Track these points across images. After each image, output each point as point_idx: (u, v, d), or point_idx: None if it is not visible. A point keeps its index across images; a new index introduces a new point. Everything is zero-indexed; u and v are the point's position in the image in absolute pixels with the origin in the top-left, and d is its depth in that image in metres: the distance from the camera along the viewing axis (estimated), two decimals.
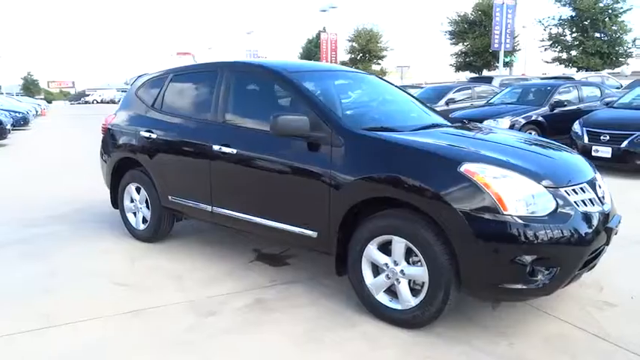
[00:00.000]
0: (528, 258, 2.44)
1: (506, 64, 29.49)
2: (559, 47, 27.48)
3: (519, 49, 30.13)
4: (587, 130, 8.11)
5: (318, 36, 50.77)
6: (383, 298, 2.90)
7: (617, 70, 22.89)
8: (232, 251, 4.19)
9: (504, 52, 26.54)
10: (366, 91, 4.02)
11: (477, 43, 31.03)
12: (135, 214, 4.53)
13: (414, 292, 2.79)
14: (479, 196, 2.48)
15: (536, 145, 3.27)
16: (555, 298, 3.11)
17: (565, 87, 10.94)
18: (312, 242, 3.16)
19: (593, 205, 2.75)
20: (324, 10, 47.77)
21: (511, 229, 2.43)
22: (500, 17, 26.49)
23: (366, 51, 48.61)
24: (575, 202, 2.62)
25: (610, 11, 25.44)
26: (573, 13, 26.61)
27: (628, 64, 25.63)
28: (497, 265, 2.47)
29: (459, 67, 33.09)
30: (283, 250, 4.19)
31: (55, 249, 4.34)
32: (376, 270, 2.94)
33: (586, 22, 26.10)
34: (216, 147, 3.58)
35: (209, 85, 3.86)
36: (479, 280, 2.55)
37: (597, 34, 25.98)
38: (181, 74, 4.25)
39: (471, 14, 32.33)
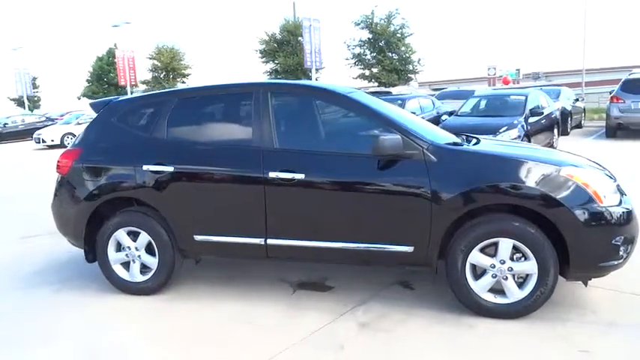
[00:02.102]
0: (620, 239, 3.02)
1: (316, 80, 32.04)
2: (362, 65, 31.27)
3: (324, 67, 33.13)
4: None
5: (110, 53, 47.06)
6: (489, 297, 3.18)
7: (409, 83, 27.36)
8: (258, 285, 3.90)
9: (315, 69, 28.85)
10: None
11: (287, 61, 32.93)
12: (128, 264, 3.82)
13: (518, 285, 3.14)
14: (581, 193, 2.98)
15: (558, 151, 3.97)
16: None
17: (410, 100, 12.72)
18: (407, 257, 3.25)
19: None
20: (117, 26, 44.53)
21: (609, 217, 2.98)
22: (309, 37, 28.72)
23: (170, 69, 46.97)
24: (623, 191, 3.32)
25: (399, 35, 30.10)
26: (371, 36, 30.61)
27: (416, 79, 30.82)
28: (601, 247, 3.00)
29: None
30: (307, 275, 4.07)
31: (49, 322, 3.45)
32: (474, 272, 3.20)
33: (382, 44, 30.30)
34: (274, 174, 3.34)
35: (243, 108, 3.57)
36: (585, 263, 3.04)
37: (391, 54, 30.41)
38: (192, 97, 3.78)
39: (279, 34, 34.15)
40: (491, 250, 3.16)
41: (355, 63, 31.61)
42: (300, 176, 3.32)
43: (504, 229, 3.07)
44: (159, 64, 47.30)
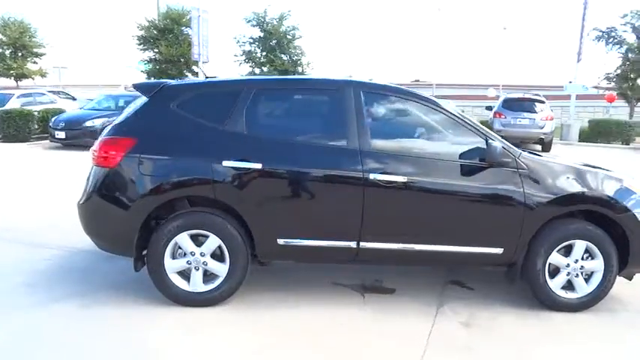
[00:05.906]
0: None
1: (196, 74, 30.79)
2: (252, 63, 30.81)
3: (208, 61, 32.00)
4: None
5: None
6: (561, 293, 3.56)
7: None
8: (318, 290, 3.80)
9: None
10: None
11: (169, 51, 31.01)
12: (187, 273, 3.41)
13: (584, 281, 3.57)
14: (639, 201, 3.51)
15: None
16: None
17: None
18: (496, 258, 3.48)
19: None
20: None
21: None
22: (197, 28, 27.47)
23: (19, 46, 40.79)
24: None
25: (290, 37, 30.35)
26: (262, 34, 30.34)
27: None
28: None
29: (153, 74, 32.16)
30: (360, 278, 4.07)
31: (115, 342, 2.99)
32: (549, 271, 3.55)
33: (273, 43, 30.24)
34: (375, 176, 3.30)
35: (335, 106, 3.45)
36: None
37: (282, 55, 30.53)
38: (274, 88, 3.56)
39: (161, 21, 31.97)
40: (562, 251, 3.54)
41: (245, 60, 31.11)
42: (403, 179, 3.33)
43: (580, 232, 3.48)
44: (4, 39, 40.83)
